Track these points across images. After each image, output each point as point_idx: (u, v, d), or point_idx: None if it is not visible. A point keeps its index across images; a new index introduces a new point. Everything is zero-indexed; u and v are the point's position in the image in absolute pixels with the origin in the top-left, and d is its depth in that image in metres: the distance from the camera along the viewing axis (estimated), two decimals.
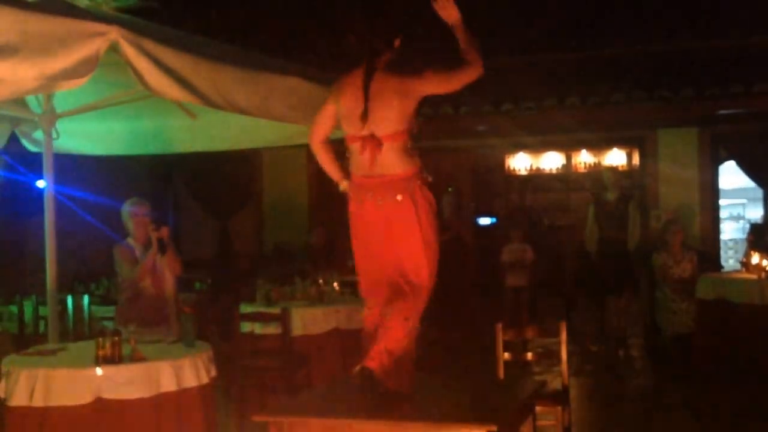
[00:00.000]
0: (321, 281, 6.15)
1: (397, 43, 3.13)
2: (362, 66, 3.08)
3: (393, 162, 3.03)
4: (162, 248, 4.82)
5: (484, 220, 11.50)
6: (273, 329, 5.34)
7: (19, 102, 4.40)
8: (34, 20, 2.77)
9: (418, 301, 3.10)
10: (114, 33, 2.96)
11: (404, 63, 3.11)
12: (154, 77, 3.10)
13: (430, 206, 3.08)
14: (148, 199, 5.15)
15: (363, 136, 3.04)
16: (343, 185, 3.22)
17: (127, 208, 4.98)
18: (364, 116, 3.01)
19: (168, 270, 4.96)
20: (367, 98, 3.01)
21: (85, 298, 6.26)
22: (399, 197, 3.01)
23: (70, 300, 6.13)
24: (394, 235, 3.05)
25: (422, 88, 3.05)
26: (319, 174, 12.14)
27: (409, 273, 3.07)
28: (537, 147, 11.22)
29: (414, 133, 3.10)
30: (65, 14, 2.93)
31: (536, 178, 11.90)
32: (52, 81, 2.82)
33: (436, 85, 3.07)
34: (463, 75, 3.01)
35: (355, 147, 3.09)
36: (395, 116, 3.02)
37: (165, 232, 4.87)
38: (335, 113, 3.17)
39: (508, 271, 8.58)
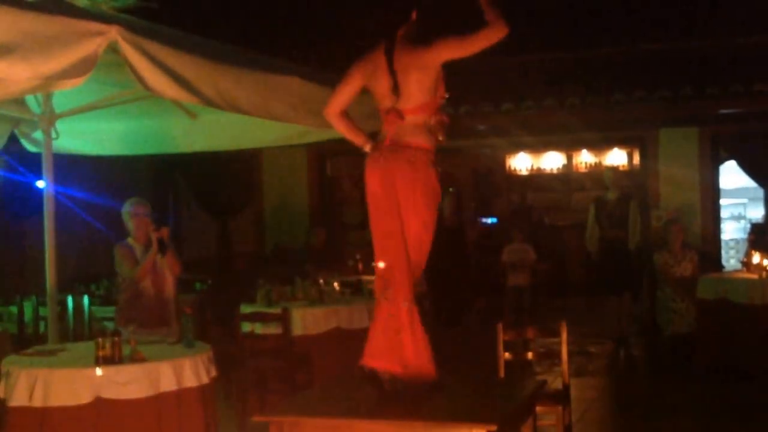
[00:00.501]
0: (321, 281, 6.15)
1: (413, 15, 3.14)
2: (382, 44, 3.09)
3: (410, 134, 3.06)
4: (162, 249, 4.82)
5: (485, 221, 11.50)
6: (273, 329, 5.33)
7: (19, 102, 4.39)
8: (32, 19, 2.76)
9: (404, 280, 3.05)
10: (113, 33, 2.95)
11: (420, 34, 3.08)
12: (153, 77, 3.10)
13: (430, 185, 3.05)
14: (148, 199, 5.15)
15: (387, 109, 3.08)
16: (368, 147, 3.17)
17: (127, 208, 4.96)
18: (395, 91, 3.04)
19: (168, 270, 4.95)
20: (394, 76, 3.04)
21: (85, 299, 6.25)
22: (405, 164, 3.03)
23: (70, 300, 6.12)
24: (400, 204, 3.04)
25: (435, 58, 3.04)
26: (319, 174, 12.20)
27: (409, 249, 3.05)
28: (538, 147, 11.21)
29: (438, 107, 3.08)
30: (63, 14, 2.92)
31: (537, 178, 11.89)
32: (49, 81, 2.81)
33: (450, 50, 3.03)
34: (483, 36, 2.97)
35: (382, 119, 3.14)
36: (417, 89, 3.04)
37: (165, 232, 4.86)
38: (359, 87, 3.17)
39: (510, 271, 8.57)
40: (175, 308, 5.05)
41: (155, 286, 4.92)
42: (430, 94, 3.07)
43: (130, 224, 4.95)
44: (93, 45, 2.89)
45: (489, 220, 11.42)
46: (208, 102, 3.44)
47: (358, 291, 6.70)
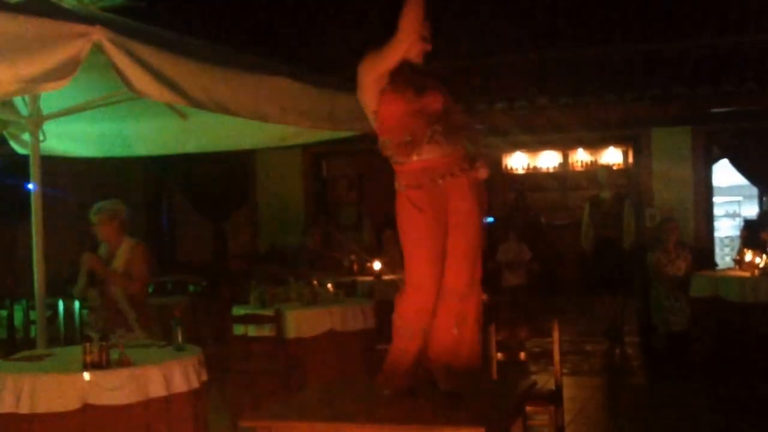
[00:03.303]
0: (315, 282, 6.10)
1: None
2: None
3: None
4: (92, 281, 4.57)
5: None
6: (267, 331, 5.28)
7: (6, 104, 4.36)
8: (14, 21, 2.73)
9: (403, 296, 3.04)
10: (96, 34, 2.91)
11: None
12: (139, 78, 3.05)
13: (398, 207, 2.97)
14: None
15: None
16: None
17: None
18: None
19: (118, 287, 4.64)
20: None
21: (76, 302, 6.20)
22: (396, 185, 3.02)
23: (60, 304, 6.08)
24: None
25: (362, 74, 2.92)
26: (315, 175, 12.10)
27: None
28: (534, 146, 11.20)
29: (391, 125, 2.91)
30: (47, 15, 2.88)
31: (533, 177, 11.87)
32: (32, 83, 2.77)
33: (371, 62, 2.90)
34: (389, 43, 2.85)
35: None
36: (367, 112, 2.98)
37: (92, 261, 4.58)
38: None
39: (505, 270, 8.56)
40: (146, 313, 4.75)
41: (107, 300, 4.65)
42: (371, 114, 2.94)
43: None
44: (76, 47, 2.85)
45: (485, 220, 11.40)
46: (196, 103, 3.40)
47: (352, 292, 6.67)
